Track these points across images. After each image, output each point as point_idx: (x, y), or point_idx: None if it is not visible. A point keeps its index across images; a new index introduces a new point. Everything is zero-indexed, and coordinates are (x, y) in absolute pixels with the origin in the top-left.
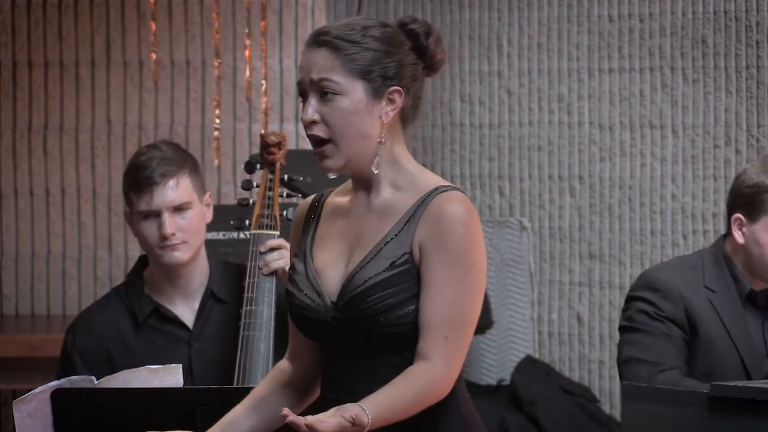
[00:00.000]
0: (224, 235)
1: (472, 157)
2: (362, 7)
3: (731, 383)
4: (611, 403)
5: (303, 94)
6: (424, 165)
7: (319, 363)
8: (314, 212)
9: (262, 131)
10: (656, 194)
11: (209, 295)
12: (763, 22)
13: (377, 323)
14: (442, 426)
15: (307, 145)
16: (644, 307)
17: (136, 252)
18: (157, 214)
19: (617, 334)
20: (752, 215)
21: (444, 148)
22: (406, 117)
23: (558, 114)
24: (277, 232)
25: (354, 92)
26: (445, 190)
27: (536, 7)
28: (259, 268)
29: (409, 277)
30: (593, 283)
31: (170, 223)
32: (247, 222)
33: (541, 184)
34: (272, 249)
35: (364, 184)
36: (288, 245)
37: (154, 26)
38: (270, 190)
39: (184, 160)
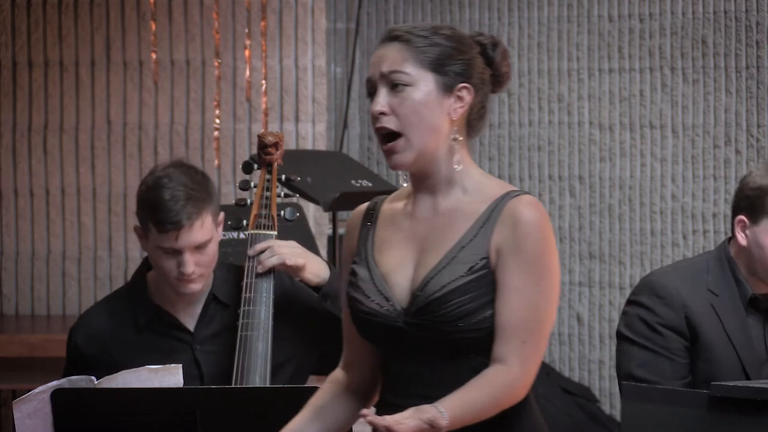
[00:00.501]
0: (224, 236)
1: (472, 157)
2: (362, 6)
3: (731, 383)
4: (611, 403)
5: (371, 90)
6: None
7: (377, 370)
8: (370, 219)
9: (259, 128)
10: (656, 194)
11: (212, 300)
12: (763, 22)
13: (455, 328)
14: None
15: (307, 146)
16: (644, 315)
17: (136, 252)
18: (178, 252)
19: None
20: (754, 217)
21: None
22: (472, 124)
23: (558, 114)
24: (275, 233)
25: (425, 84)
26: (518, 195)
27: (536, 7)
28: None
29: (486, 282)
30: (593, 283)
31: (191, 261)
32: (244, 222)
33: (541, 184)
34: (261, 252)
35: (429, 186)
36: (278, 243)
37: (154, 26)
38: (267, 190)
39: (206, 193)
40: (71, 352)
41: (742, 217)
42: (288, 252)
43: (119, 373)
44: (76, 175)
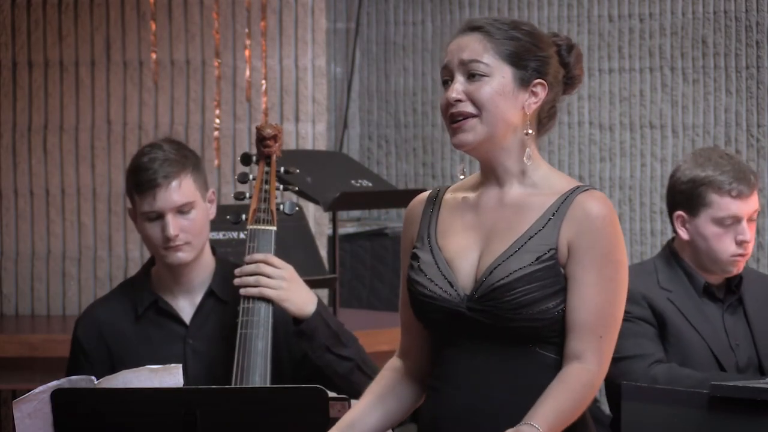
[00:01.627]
0: (224, 235)
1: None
2: (362, 6)
3: (731, 383)
4: None
5: (447, 77)
6: (424, 164)
7: (432, 356)
8: (432, 205)
9: (258, 124)
10: (656, 194)
11: (209, 294)
12: (763, 22)
13: (518, 316)
14: None
15: (307, 146)
16: None
17: (136, 252)
18: (160, 216)
19: None
20: (692, 210)
21: (444, 147)
22: (542, 122)
23: (558, 114)
24: (274, 228)
25: (502, 75)
26: (586, 189)
27: (536, 7)
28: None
29: (552, 273)
30: None
31: (174, 224)
32: (243, 217)
33: None
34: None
35: (497, 177)
36: (267, 270)
37: (154, 26)
38: (266, 183)
39: (186, 159)
40: (73, 343)
41: (680, 212)
42: (273, 284)
43: (119, 373)
44: (76, 175)
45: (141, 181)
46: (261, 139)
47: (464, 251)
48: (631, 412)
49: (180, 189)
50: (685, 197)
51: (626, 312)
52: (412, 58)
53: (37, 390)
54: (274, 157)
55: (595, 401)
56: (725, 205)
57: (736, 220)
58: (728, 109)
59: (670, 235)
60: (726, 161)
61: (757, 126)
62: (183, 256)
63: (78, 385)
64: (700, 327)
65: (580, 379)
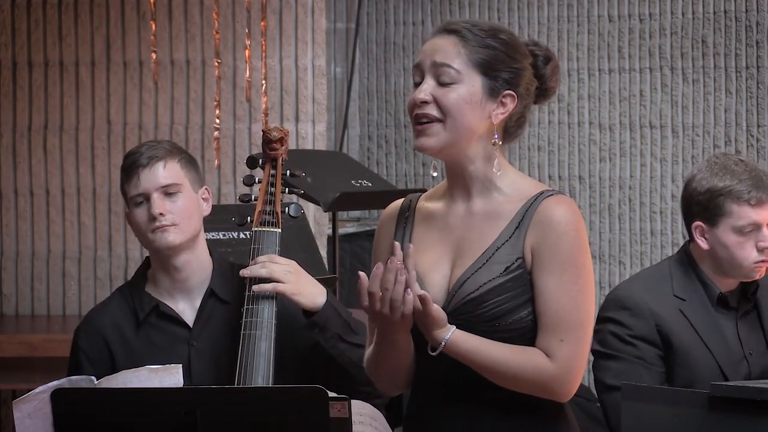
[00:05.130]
0: (224, 235)
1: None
2: (362, 6)
3: (731, 383)
4: None
5: (418, 78)
6: (424, 164)
7: (416, 366)
8: (405, 216)
9: (264, 127)
10: (656, 194)
11: (210, 295)
12: (763, 22)
13: (491, 328)
14: None
15: (307, 146)
16: (615, 329)
17: (136, 252)
18: (146, 198)
19: None
20: (711, 221)
21: None
22: (509, 131)
23: (558, 114)
24: (279, 230)
25: (471, 83)
26: (551, 194)
27: (536, 7)
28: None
29: (521, 282)
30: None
31: (159, 204)
32: (248, 219)
33: None
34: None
35: (464, 185)
36: (273, 269)
37: (154, 26)
38: (272, 185)
39: (178, 151)
40: (73, 351)
41: (699, 222)
42: (284, 278)
43: (119, 373)
44: (76, 175)
45: (128, 165)
46: (267, 142)
47: (436, 265)
48: (631, 412)
49: (165, 170)
50: (702, 207)
51: (629, 328)
52: (412, 58)
53: (37, 390)
54: (280, 160)
55: (596, 401)
56: (745, 213)
57: (756, 227)
58: (728, 109)
59: (670, 235)
60: (742, 169)
61: (757, 126)
62: (170, 237)
63: (78, 385)
64: (709, 341)
65: (534, 358)
